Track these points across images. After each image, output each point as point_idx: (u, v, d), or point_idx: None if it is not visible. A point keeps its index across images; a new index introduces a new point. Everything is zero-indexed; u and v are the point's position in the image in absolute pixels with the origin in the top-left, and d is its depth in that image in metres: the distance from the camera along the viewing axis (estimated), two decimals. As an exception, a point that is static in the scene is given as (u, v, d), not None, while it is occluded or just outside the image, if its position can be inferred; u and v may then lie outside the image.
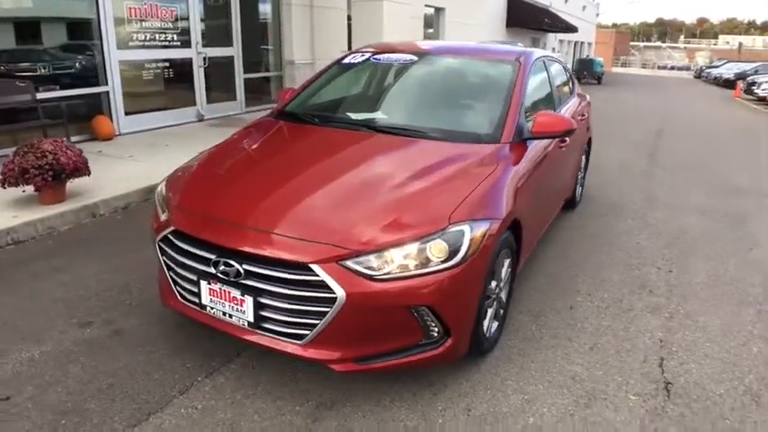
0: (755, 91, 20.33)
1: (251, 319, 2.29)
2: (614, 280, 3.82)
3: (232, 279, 2.27)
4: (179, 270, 2.48)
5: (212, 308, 2.39)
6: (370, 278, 2.16)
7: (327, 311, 2.16)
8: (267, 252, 2.22)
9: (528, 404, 2.47)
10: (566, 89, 4.71)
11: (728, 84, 28.94)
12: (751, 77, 22.66)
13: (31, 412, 2.30)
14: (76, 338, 2.84)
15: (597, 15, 49.13)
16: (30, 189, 4.33)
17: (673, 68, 66.01)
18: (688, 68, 61.70)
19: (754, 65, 30.22)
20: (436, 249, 2.22)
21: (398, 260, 2.20)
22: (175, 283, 2.55)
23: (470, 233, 2.31)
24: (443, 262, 2.22)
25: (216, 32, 8.64)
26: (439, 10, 17.33)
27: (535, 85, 3.67)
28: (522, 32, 26.22)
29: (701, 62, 62.54)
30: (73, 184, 4.59)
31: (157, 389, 2.46)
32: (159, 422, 2.26)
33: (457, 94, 3.45)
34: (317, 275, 2.14)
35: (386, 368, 2.31)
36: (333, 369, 2.27)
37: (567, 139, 3.75)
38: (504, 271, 2.81)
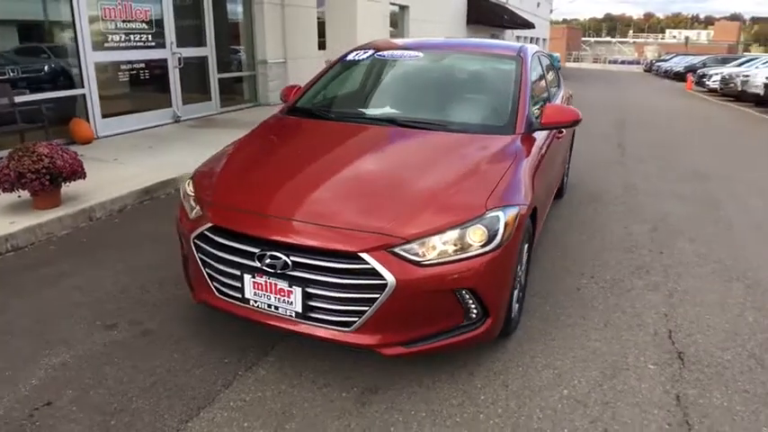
0: (707, 83, 21.34)
1: (299, 309, 2.34)
2: (612, 263, 4.03)
3: (279, 271, 2.32)
4: (218, 266, 2.51)
5: (256, 301, 2.43)
6: (417, 264, 2.25)
7: (377, 298, 2.24)
8: (316, 243, 2.29)
9: (559, 378, 2.62)
10: (555, 82, 4.91)
11: (679, 76, 30.21)
12: (701, 70, 23.74)
13: (77, 414, 2.30)
14: (105, 340, 2.82)
15: (551, 12, 50.42)
16: (25, 194, 4.22)
17: (623, 63, 68.40)
18: (638, 62, 64.08)
19: (702, 58, 31.63)
20: (476, 235, 2.34)
21: (440, 246, 2.30)
22: (212, 278, 2.57)
23: (504, 218, 2.43)
24: (482, 246, 2.34)
25: (189, 32, 8.52)
26: (403, 8, 17.51)
27: (534, 79, 3.83)
28: (482, 29, 26.72)
29: (650, 56, 64.99)
30: (66, 189, 4.49)
31: (201, 384, 2.49)
32: (211, 416, 2.30)
33: (467, 89, 3.57)
34: (367, 263, 2.22)
35: (430, 350, 2.41)
36: (381, 353, 2.35)
37: (563, 130, 3.93)
38: (524, 255, 2.95)
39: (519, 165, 2.84)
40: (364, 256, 2.22)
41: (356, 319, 2.30)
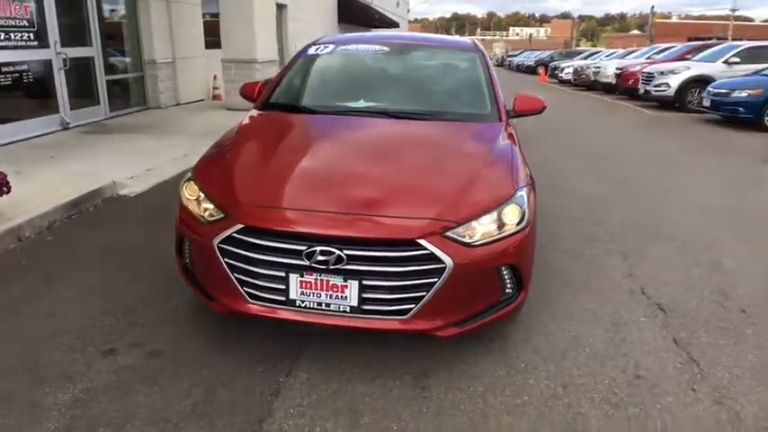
0: (559, 75, 23.74)
1: (354, 303, 2.31)
2: (565, 234, 4.42)
3: (332, 267, 2.26)
4: (253, 269, 2.37)
5: (303, 301, 2.34)
6: (468, 246, 2.34)
7: (435, 282, 2.28)
8: (372, 233, 2.27)
9: (576, 339, 2.86)
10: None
11: (531, 70, 33.23)
12: (554, 63, 26.31)
13: (122, 450, 2.06)
14: (112, 367, 2.52)
15: (408, 11, 52.62)
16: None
17: (476, 59, 73.18)
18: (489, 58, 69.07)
19: (549, 52, 35.08)
20: (511, 213, 2.47)
21: (483, 227, 2.40)
22: (243, 284, 2.42)
23: (526, 197, 2.60)
24: (518, 224, 2.48)
25: (73, 31, 7.65)
26: (282, 6, 17.21)
27: (489, 70, 4.08)
28: (353, 28, 27.15)
29: (498, 52, 70.51)
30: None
31: (248, 398, 2.34)
32: (277, 427, 2.18)
33: (443, 80, 3.70)
34: (426, 249, 2.25)
35: (478, 327, 2.51)
36: (438, 336, 2.40)
37: None
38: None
39: (515, 148, 3.04)
40: (422, 241, 2.25)
41: (412, 305, 2.33)
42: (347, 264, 2.26)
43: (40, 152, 6.10)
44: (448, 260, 2.26)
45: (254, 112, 3.44)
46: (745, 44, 12.80)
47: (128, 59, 9.31)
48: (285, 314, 2.39)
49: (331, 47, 3.91)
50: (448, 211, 2.35)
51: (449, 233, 2.31)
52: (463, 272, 2.31)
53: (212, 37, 12.01)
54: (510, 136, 3.19)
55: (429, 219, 2.31)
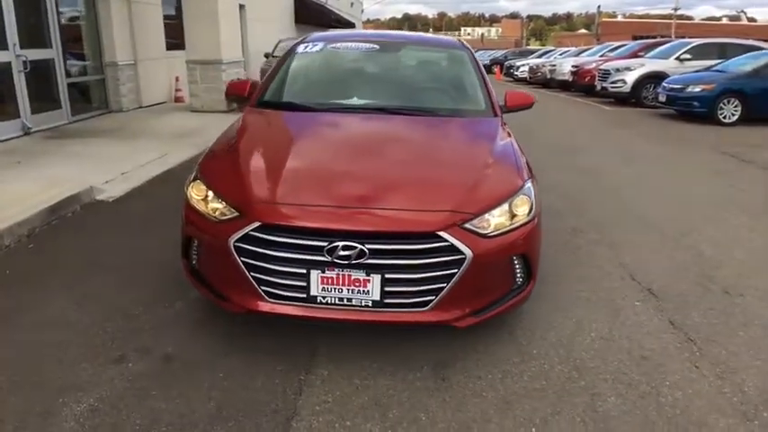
0: (515, 73, 24.28)
1: (377, 297, 2.32)
2: (549, 227, 4.51)
3: (354, 261, 2.27)
4: (271, 266, 2.35)
5: (324, 297, 2.35)
6: (484, 236, 2.39)
7: (455, 273, 2.33)
8: (393, 227, 2.29)
9: (580, 325, 2.96)
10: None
11: (486, 68, 33.79)
12: (509, 62, 26.86)
13: (150, 457, 2.01)
14: (126, 374, 2.46)
15: (362, 12, 52.71)
16: None
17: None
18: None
19: (502, 52, 35.83)
20: (521, 205, 2.55)
21: (496, 219, 2.46)
22: (261, 282, 2.40)
23: (533, 189, 2.68)
24: (527, 215, 2.56)
25: (32, 32, 7.33)
26: (241, 6, 16.96)
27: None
28: (310, 28, 26.99)
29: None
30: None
31: (271, 397, 2.33)
32: (307, 424, 2.18)
33: (436, 77, 3.76)
34: (446, 241, 2.29)
35: (492, 316, 2.57)
36: (456, 326, 2.45)
37: None
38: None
39: (515, 142, 3.12)
40: (442, 233, 2.29)
41: (433, 297, 2.36)
42: (369, 258, 2.28)
43: (3, 159, 5.82)
44: (467, 251, 2.31)
45: (251, 111, 3.40)
46: (696, 41, 13.46)
47: (88, 62, 8.99)
48: (306, 311, 2.39)
49: (320, 45, 3.91)
50: (464, 204, 2.40)
51: (467, 225, 2.36)
52: (480, 263, 2.36)
53: (172, 39, 11.74)
54: (508, 130, 3.27)
55: (448, 211, 2.35)
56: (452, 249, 2.31)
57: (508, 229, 2.47)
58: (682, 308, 3.18)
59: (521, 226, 2.52)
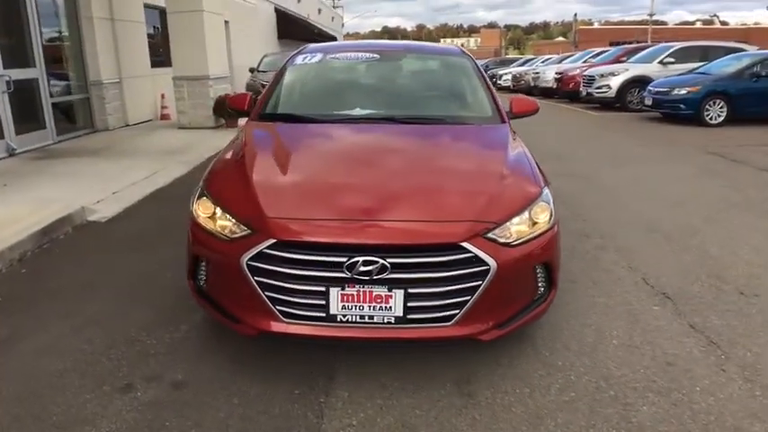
0: (498, 82, 24.44)
1: (399, 313, 2.23)
2: (555, 232, 4.50)
3: (375, 277, 2.18)
4: (288, 285, 2.25)
5: (345, 315, 2.24)
6: (507, 246, 2.32)
7: (479, 285, 2.24)
8: (415, 240, 2.21)
9: (600, 332, 2.89)
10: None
11: (469, 78, 34.01)
12: (491, 71, 27.06)
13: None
14: (135, 404, 2.32)
15: (342, 26, 53.00)
16: None
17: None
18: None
19: (483, 61, 36.02)
20: (541, 212, 2.48)
21: (516, 227, 2.39)
22: (276, 302, 2.29)
23: (550, 196, 2.62)
24: (548, 222, 2.49)
25: (15, 52, 7.16)
26: (226, 22, 16.88)
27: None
28: (293, 43, 27.02)
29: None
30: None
31: (293, 423, 2.21)
32: (332, 447, 2.07)
33: (440, 85, 3.70)
34: (470, 252, 2.21)
35: (516, 328, 2.48)
36: (481, 340, 2.36)
37: None
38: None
39: (526, 149, 3.06)
40: (466, 244, 2.21)
41: (456, 311, 2.27)
42: (391, 273, 2.19)
43: (-12, 181, 5.64)
44: (492, 262, 2.23)
45: (253, 124, 3.30)
46: (678, 44, 13.65)
47: (73, 81, 8.81)
48: (325, 331, 2.28)
49: (319, 55, 3.83)
50: (485, 213, 2.33)
51: (489, 235, 2.28)
52: (504, 273, 2.28)
53: (156, 56, 11.61)
54: (517, 136, 3.22)
55: (470, 221, 2.27)
56: (476, 260, 2.23)
57: (530, 237, 2.40)
58: (699, 311, 3.13)
59: (542, 234, 2.45)
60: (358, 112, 3.37)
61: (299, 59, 3.84)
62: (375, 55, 3.80)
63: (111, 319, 3.05)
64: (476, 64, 3.84)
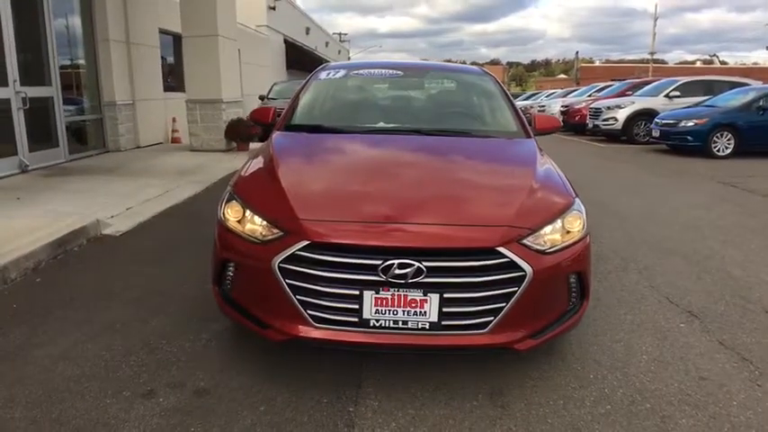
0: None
1: (434, 319, 2.18)
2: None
3: (410, 281, 2.14)
4: (321, 288, 2.20)
5: (378, 320, 2.19)
6: (543, 253, 2.29)
7: (515, 291, 2.20)
8: (451, 243, 2.18)
9: (630, 348, 2.83)
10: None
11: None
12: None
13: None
14: (156, 411, 2.25)
15: (348, 59, 54.18)
16: None
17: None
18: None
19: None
20: (574, 221, 2.46)
21: (550, 235, 2.36)
22: (308, 306, 2.24)
23: (582, 206, 2.61)
24: (580, 232, 2.47)
25: (32, 70, 7.27)
26: (238, 50, 17.22)
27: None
28: (300, 74, 27.50)
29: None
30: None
31: (322, 430, 2.14)
32: (364, 455, 2.00)
33: (464, 101, 3.73)
34: (506, 257, 2.18)
35: (551, 338, 2.43)
36: (516, 349, 2.30)
37: None
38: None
39: (553, 162, 3.06)
40: (502, 249, 2.18)
41: (491, 318, 2.23)
42: (426, 276, 2.15)
43: (1, 195, 5.63)
44: (527, 268, 2.20)
45: (280, 134, 3.30)
46: (684, 79, 13.85)
47: (87, 101, 8.91)
48: (358, 337, 2.22)
49: (343, 71, 3.88)
50: (519, 220, 2.30)
51: (524, 241, 2.25)
52: (540, 280, 2.24)
53: (169, 80, 11.79)
54: (543, 152, 3.22)
55: (506, 226, 2.25)
56: (512, 266, 2.19)
57: (563, 246, 2.37)
58: (727, 328, 3.08)
59: (575, 243, 2.42)
60: (382, 125, 3.38)
61: (322, 75, 3.88)
62: (398, 72, 3.84)
63: (129, 328, 3.00)
64: (498, 82, 3.88)
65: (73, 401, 2.31)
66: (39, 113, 7.39)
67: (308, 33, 29.46)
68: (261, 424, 2.18)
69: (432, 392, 2.40)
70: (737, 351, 2.81)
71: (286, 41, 24.83)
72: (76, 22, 8.61)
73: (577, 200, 2.60)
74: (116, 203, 5.48)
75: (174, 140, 11.39)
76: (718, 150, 10.39)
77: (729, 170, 9.10)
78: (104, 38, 8.88)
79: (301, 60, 26.80)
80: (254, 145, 10.08)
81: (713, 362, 2.70)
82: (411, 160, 2.88)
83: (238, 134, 9.89)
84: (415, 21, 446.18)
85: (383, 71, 3.84)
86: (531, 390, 2.43)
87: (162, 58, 11.35)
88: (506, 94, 3.69)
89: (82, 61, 8.82)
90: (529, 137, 3.31)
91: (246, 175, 2.79)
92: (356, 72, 3.87)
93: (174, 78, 12.22)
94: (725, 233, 5.11)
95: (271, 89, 14.98)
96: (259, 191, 2.57)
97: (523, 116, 3.52)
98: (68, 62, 8.47)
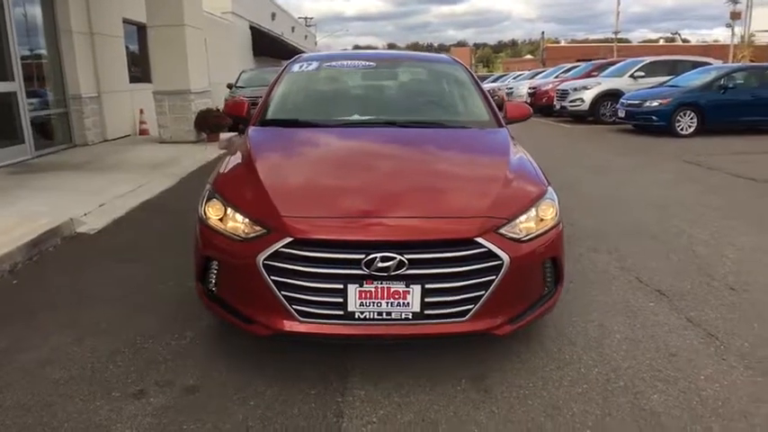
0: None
1: (417, 309, 2.26)
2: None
3: (393, 273, 2.21)
4: (305, 283, 2.25)
5: (362, 312, 2.26)
6: (518, 241, 2.37)
7: (493, 280, 2.29)
8: (431, 235, 2.24)
9: (604, 328, 2.96)
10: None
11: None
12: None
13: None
14: (149, 409, 2.28)
15: (315, 44, 53.49)
16: None
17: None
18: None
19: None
20: (547, 209, 2.55)
21: (525, 224, 2.45)
22: (293, 301, 2.29)
23: (554, 194, 2.70)
24: (553, 219, 2.56)
25: (-9, 64, 7.04)
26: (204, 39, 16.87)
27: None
28: (268, 60, 27.13)
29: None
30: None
31: (313, 422, 2.20)
32: (355, 444, 2.07)
33: (437, 91, 3.77)
34: (483, 247, 2.26)
35: (527, 323, 2.53)
36: (495, 335, 2.39)
37: None
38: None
39: (525, 152, 3.15)
40: (480, 240, 2.26)
41: (471, 306, 2.31)
42: (408, 269, 2.22)
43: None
44: (504, 256, 2.28)
45: (257, 129, 3.30)
46: (648, 59, 14.15)
47: (51, 94, 8.66)
48: (343, 329, 2.29)
49: (315, 63, 3.88)
50: (496, 210, 2.38)
51: (501, 230, 2.34)
52: (516, 267, 2.33)
53: (135, 71, 11.52)
54: (516, 141, 3.30)
55: (482, 217, 2.33)
56: (490, 255, 2.28)
57: (538, 233, 2.46)
58: (694, 306, 3.24)
59: (549, 230, 2.52)
60: (357, 117, 3.42)
61: (295, 67, 3.88)
62: (371, 63, 3.87)
63: (113, 328, 2.99)
64: (468, 71, 3.94)
65: (63, 405, 2.32)
66: (2, 109, 7.19)
67: (273, 19, 29.01)
68: (252, 418, 2.23)
69: (416, 380, 2.47)
70: (704, 327, 2.97)
71: (252, 28, 24.43)
72: (37, 12, 8.33)
73: (550, 188, 2.70)
74: (88, 200, 5.39)
75: (143, 132, 11.17)
76: (682, 129, 10.70)
77: (693, 149, 9.39)
78: (66, 28, 8.62)
79: (268, 47, 26.44)
80: (224, 135, 9.97)
81: (682, 338, 2.85)
82: (388, 153, 2.93)
83: (208, 125, 9.76)
84: (382, 3, 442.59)
85: (356, 62, 3.85)
86: (512, 373, 2.53)
87: (126, 48, 11.06)
88: (477, 83, 3.76)
89: (44, 52, 8.55)
90: (501, 126, 3.39)
91: (225, 172, 2.80)
92: (329, 64, 3.88)
93: (139, 69, 11.94)
94: (690, 212, 5.31)
95: (239, 77, 14.76)
96: (239, 188, 2.59)
97: (495, 105, 3.58)
98: (30, 55, 8.20)
